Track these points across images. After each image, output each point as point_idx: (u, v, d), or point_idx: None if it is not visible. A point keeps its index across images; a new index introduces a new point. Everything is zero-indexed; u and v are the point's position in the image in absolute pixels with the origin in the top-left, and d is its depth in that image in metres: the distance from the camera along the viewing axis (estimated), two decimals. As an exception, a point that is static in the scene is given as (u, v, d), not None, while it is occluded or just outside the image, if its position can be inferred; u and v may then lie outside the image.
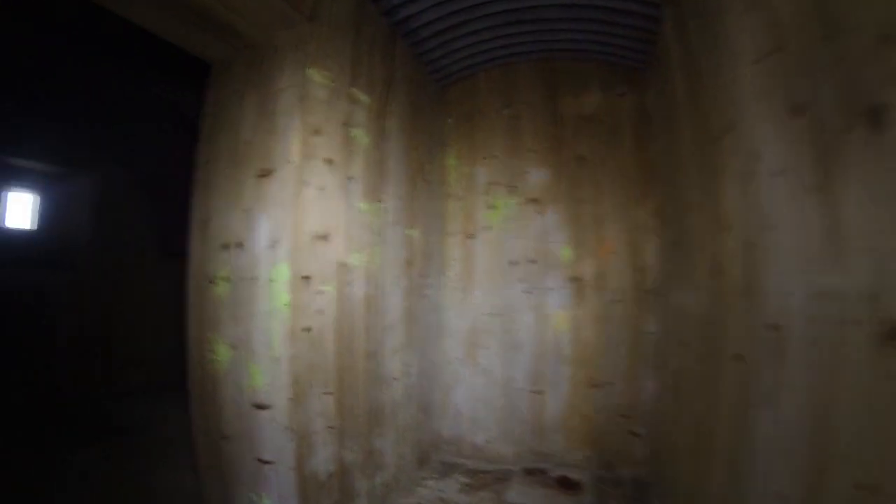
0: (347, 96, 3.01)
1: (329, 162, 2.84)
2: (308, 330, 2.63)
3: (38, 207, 7.16)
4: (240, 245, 2.70)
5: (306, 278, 2.63)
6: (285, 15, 2.63)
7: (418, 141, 4.10)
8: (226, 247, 2.75)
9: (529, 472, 4.02)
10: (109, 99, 5.46)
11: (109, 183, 6.72)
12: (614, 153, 4.25)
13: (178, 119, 5.55)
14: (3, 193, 6.87)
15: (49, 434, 4.88)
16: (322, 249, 2.78)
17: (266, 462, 2.55)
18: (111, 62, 4.77)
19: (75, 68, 4.91)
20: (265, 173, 2.67)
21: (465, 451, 4.45)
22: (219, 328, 2.73)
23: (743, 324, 1.89)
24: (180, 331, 3.12)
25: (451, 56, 4.27)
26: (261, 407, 2.56)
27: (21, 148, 5.84)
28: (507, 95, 4.59)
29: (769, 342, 1.65)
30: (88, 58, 4.71)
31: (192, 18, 2.61)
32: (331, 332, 2.84)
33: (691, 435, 2.60)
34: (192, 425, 2.85)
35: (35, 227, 7.12)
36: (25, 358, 5.86)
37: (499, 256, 4.49)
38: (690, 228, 2.78)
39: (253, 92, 2.80)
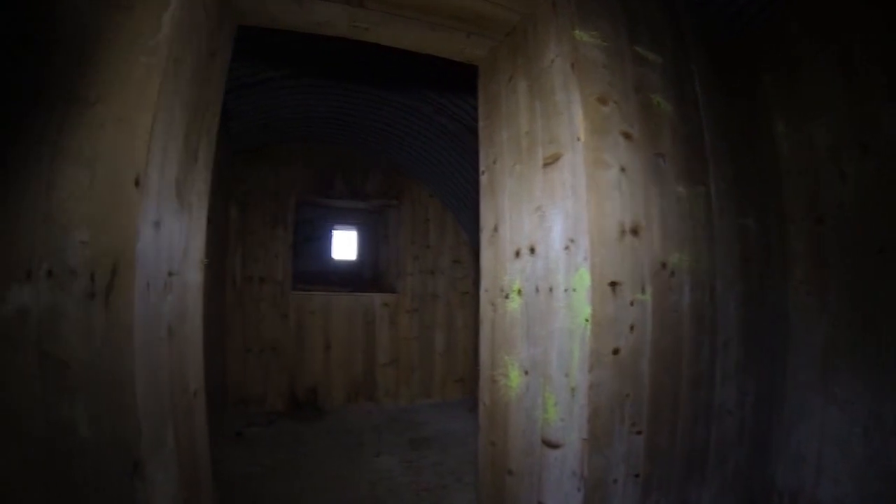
0: (631, 56, 2.53)
1: (627, 136, 2.34)
2: (616, 352, 2.15)
3: (358, 241, 8.62)
4: (532, 250, 2.41)
5: (614, 285, 2.15)
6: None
7: (733, 106, 3.17)
8: (517, 254, 2.51)
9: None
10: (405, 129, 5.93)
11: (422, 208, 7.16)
12: None
13: (447, 132, 5.72)
14: (331, 231, 8.48)
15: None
16: (633, 247, 2.26)
17: (547, 511, 2.20)
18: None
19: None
20: (552, 159, 2.34)
21: (801, 508, 3.34)
22: (512, 349, 2.49)
23: None
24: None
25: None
26: (551, 445, 2.23)
27: (353, 191, 6.67)
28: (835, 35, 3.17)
29: None
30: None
31: (451, 23, 2.63)
32: (646, 353, 2.29)
33: None
34: (477, 454, 2.68)
35: (356, 258, 8.55)
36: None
37: (860, 244, 3.12)
38: None
39: (522, 77, 2.60)
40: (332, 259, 8.64)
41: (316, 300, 6.27)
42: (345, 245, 8.94)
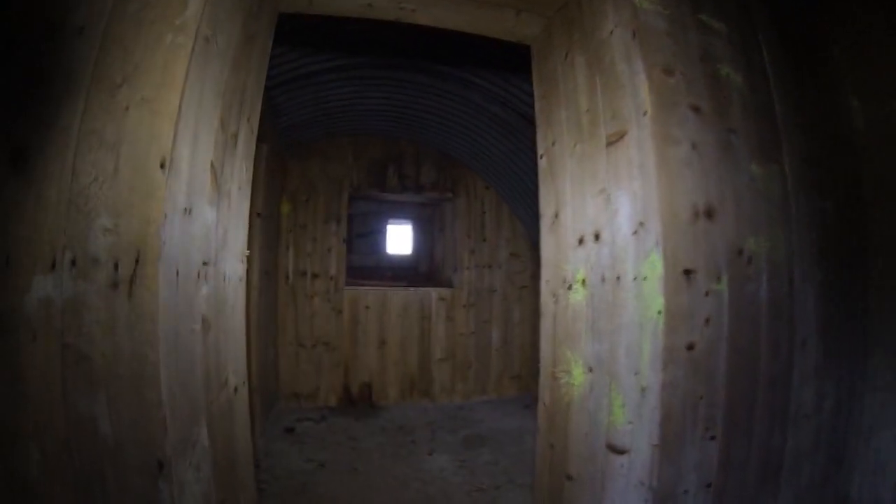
0: (695, 24, 2.31)
1: (696, 110, 2.10)
2: (691, 348, 1.91)
3: (413, 235, 8.55)
4: (597, 236, 2.20)
5: (688, 273, 1.92)
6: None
7: (802, 79, 2.80)
8: (581, 241, 2.31)
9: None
10: (457, 119, 5.78)
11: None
12: None
13: (500, 120, 5.49)
14: (386, 226, 8.53)
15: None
16: (706, 231, 2.01)
17: (610, 522, 2.02)
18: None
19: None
20: (616, 137, 2.14)
21: (880, 525, 2.95)
22: (576, 345, 2.29)
23: None
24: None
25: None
26: (616, 450, 2.03)
27: (407, 184, 6.57)
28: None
29: None
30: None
31: (499, 1, 2.53)
32: (723, 349, 2.03)
33: None
34: (534, 456, 2.49)
35: (411, 252, 8.52)
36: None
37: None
38: None
39: (579, 52, 2.44)
40: (387, 254, 8.60)
41: (370, 295, 6.22)
42: (400, 239, 8.88)
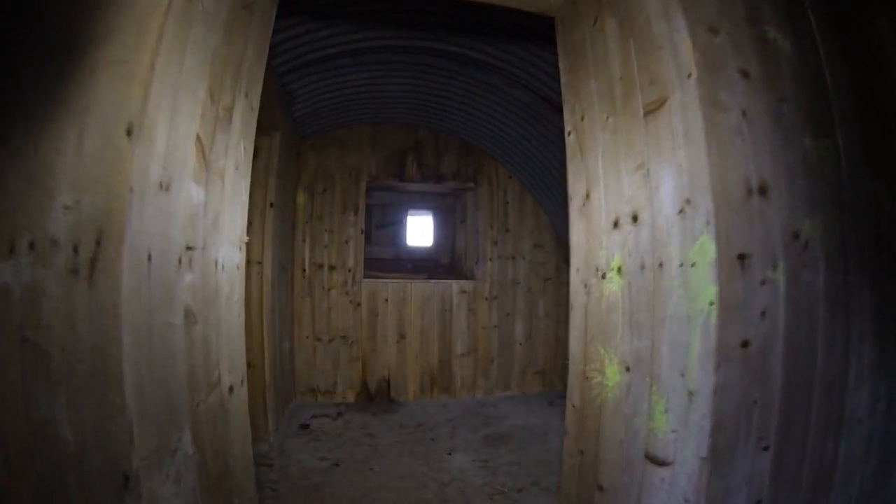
0: None
1: (745, 75, 1.83)
2: (745, 345, 1.66)
3: (434, 226, 8.27)
4: (634, 218, 1.95)
5: (743, 258, 1.66)
6: None
7: (848, 49, 2.47)
8: (616, 224, 2.07)
9: None
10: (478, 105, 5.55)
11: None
12: None
13: (522, 104, 5.21)
14: (405, 217, 8.27)
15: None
16: (760, 210, 1.75)
17: (645, 541, 1.80)
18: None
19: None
20: (656, 104, 1.89)
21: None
22: (610, 341, 2.05)
23: None
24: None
25: None
26: (657, 461, 1.79)
27: (427, 173, 6.35)
28: None
29: None
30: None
31: None
32: (778, 347, 1.76)
33: None
34: (562, 461, 2.26)
35: (432, 244, 8.27)
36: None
37: None
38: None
39: (610, 16, 2.20)
40: (407, 245, 8.37)
41: (390, 287, 6.02)
42: (420, 231, 8.65)
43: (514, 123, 5.52)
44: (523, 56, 4.45)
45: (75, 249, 1.21)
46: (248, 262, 4.13)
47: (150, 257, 1.31)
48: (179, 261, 1.49)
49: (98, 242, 1.20)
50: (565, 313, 6.76)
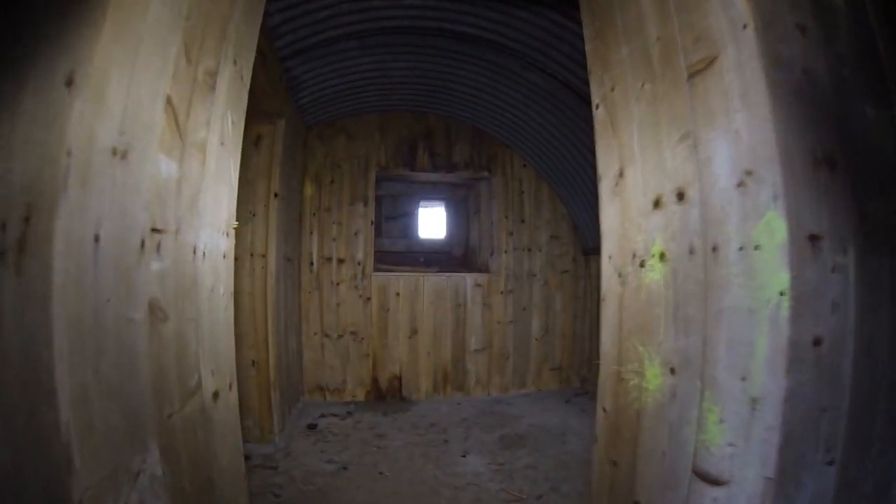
0: None
1: (803, 29, 1.57)
2: (818, 343, 1.38)
3: (447, 217, 8.02)
4: (680, 196, 1.69)
5: (814, 240, 1.38)
6: None
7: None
8: (657, 204, 1.81)
9: None
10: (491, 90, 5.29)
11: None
12: None
13: (539, 89, 4.91)
14: (417, 208, 7.97)
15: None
16: (828, 186, 1.48)
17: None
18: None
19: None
20: (703, 64, 1.64)
21: None
22: (650, 337, 1.79)
23: None
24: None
25: None
26: (709, 480, 1.53)
27: (439, 162, 6.12)
28: None
29: None
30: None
31: None
32: (849, 345, 1.49)
33: None
34: (591, 473, 2.00)
35: (445, 236, 8.02)
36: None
37: None
38: None
39: None
40: (419, 237, 8.11)
41: (401, 281, 5.79)
42: (433, 222, 8.39)
43: (529, 109, 5.25)
44: (540, 36, 4.15)
45: (2, 228, 0.98)
46: (251, 254, 3.92)
47: (97, 238, 1.07)
48: (142, 244, 1.25)
49: (27, 219, 0.96)
50: (583, 307, 6.63)
